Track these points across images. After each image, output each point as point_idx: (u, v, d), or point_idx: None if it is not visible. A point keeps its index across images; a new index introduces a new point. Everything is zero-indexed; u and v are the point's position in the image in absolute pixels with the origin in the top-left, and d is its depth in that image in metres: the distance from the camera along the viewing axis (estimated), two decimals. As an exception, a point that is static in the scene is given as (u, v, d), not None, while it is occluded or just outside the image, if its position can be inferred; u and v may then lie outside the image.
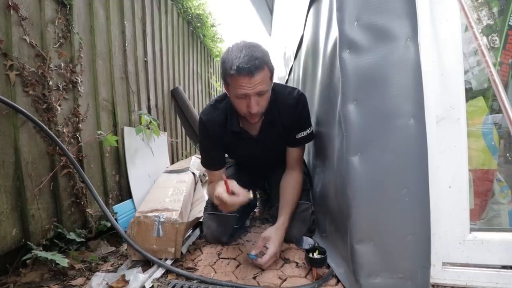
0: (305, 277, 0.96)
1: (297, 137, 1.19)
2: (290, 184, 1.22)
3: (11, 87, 1.03)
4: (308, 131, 1.20)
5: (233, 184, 0.98)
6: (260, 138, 1.22)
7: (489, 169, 0.93)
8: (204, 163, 1.28)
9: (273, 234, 1.06)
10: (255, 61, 0.93)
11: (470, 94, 0.93)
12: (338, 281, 0.91)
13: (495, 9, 0.95)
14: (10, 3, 1.03)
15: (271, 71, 1.02)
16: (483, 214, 0.93)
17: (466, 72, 0.90)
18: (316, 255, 0.93)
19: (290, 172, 1.26)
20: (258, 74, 0.94)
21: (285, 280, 0.94)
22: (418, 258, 0.78)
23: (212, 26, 3.91)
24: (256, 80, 0.95)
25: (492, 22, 0.96)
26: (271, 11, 4.84)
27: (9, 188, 1.02)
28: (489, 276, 0.79)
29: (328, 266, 0.97)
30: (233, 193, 0.97)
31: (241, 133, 1.20)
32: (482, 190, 0.93)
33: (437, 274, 0.82)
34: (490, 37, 0.96)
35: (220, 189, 0.97)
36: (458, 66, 0.79)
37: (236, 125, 1.18)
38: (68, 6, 1.31)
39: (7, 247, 0.99)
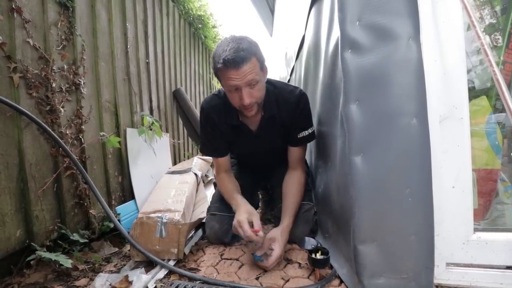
0: (308, 277, 0.96)
1: (298, 136, 1.19)
2: (293, 185, 1.22)
3: (15, 89, 1.04)
4: (309, 130, 1.20)
5: (257, 223, 1.02)
6: (259, 132, 1.22)
7: (493, 168, 0.92)
8: (207, 151, 1.27)
9: (279, 236, 1.05)
10: (240, 53, 0.94)
11: (473, 93, 0.93)
12: (341, 281, 0.91)
13: (497, 8, 0.95)
14: (13, 6, 1.03)
15: (261, 62, 1.02)
16: (487, 214, 0.93)
17: (468, 71, 0.90)
18: (319, 256, 0.93)
19: (292, 172, 1.26)
20: (245, 65, 0.95)
21: (288, 281, 0.94)
22: (421, 258, 0.78)
23: (214, 27, 3.92)
24: (243, 71, 0.95)
25: (494, 21, 0.95)
26: (272, 11, 4.84)
27: (13, 190, 1.03)
28: (493, 277, 0.78)
29: (331, 267, 0.97)
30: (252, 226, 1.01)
31: (241, 126, 1.20)
32: (486, 190, 0.92)
33: (440, 274, 0.81)
34: (492, 36, 0.95)
35: (246, 226, 1.00)
36: (461, 65, 0.79)
37: (236, 118, 1.18)
38: (71, 9, 1.32)
39: (12, 248, 1.00)
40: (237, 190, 1.23)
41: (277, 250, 1.01)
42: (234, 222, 1.03)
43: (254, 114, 1.10)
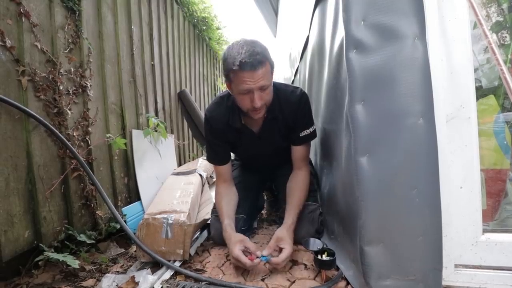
0: (314, 279, 0.95)
1: (300, 135, 1.21)
2: (296, 184, 1.22)
3: (23, 92, 1.06)
4: (311, 129, 1.21)
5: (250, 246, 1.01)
6: (262, 134, 1.23)
7: (502, 168, 0.91)
8: (209, 158, 1.31)
9: (286, 235, 1.04)
10: (256, 56, 0.96)
11: (480, 92, 0.92)
12: (348, 283, 0.90)
13: (504, 5, 0.94)
14: (21, 11, 1.05)
15: (272, 66, 1.05)
16: (496, 215, 0.91)
17: (476, 70, 0.89)
18: (325, 257, 0.92)
19: (297, 171, 1.26)
20: (260, 69, 0.97)
21: (293, 282, 0.94)
22: (429, 260, 0.77)
23: (218, 28, 3.93)
24: (258, 74, 0.97)
25: (501, 19, 0.94)
26: (275, 12, 4.85)
27: (22, 191, 1.04)
28: (503, 278, 0.77)
29: (337, 268, 0.97)
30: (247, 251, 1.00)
31: (243, 129, 1.22)
32: (495, 190, 0.91)
33: (449, 276, 0.80)
34: (500, 34, 0.94)
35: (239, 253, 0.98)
36: (468, 64, 0.78)
37: (238, 121, 1.20)
38: (77, 12, 1.34)
39: (20, 249, 1.02)
40: (229, 212, 1.19)
41: (287, 248, 1.00)
42: (232, 259, 1.02)
43: (261, 116, 1.12)
